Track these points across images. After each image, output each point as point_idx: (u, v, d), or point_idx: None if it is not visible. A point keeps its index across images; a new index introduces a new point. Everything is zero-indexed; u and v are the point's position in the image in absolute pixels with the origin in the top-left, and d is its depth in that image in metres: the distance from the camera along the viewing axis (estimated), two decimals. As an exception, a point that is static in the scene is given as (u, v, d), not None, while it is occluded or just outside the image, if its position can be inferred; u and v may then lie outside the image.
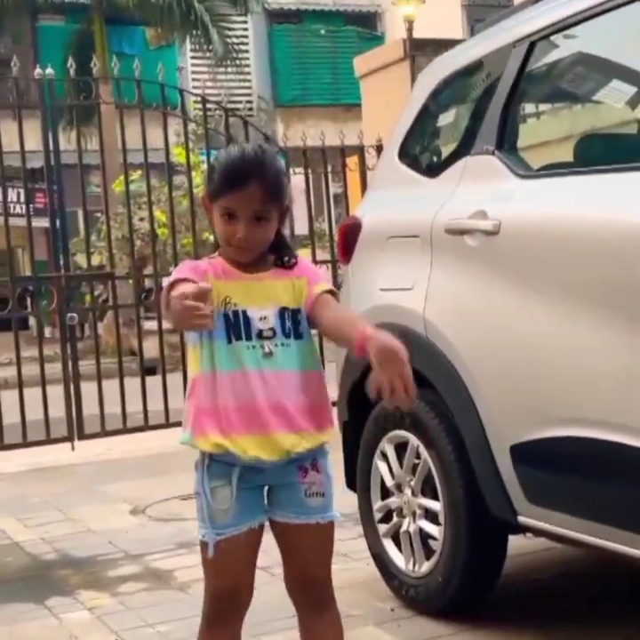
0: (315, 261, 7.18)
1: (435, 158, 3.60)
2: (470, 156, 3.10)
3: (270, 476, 2.16)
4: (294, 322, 2.16)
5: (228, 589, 2.18)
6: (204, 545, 2.17)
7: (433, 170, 3.40)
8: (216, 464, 2.15)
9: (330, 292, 2.18)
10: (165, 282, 2.14)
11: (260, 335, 2.13)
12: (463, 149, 3.19)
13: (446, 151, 3.46)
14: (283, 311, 2.15)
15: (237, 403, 2.10)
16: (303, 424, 2.14)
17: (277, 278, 2.18)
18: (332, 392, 3.83)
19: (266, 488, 2.19)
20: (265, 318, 2.13)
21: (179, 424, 2.20)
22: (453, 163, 3.20)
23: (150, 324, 9.56)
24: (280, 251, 2.21)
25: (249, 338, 2.12)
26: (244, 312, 2.12)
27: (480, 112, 3.16)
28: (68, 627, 3.34)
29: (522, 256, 2.79)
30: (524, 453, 2.76)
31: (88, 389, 6.69)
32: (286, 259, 2.20)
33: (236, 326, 2.12)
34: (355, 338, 2.02)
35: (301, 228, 7.75)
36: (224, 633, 2.21)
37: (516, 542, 3.22)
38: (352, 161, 7.79)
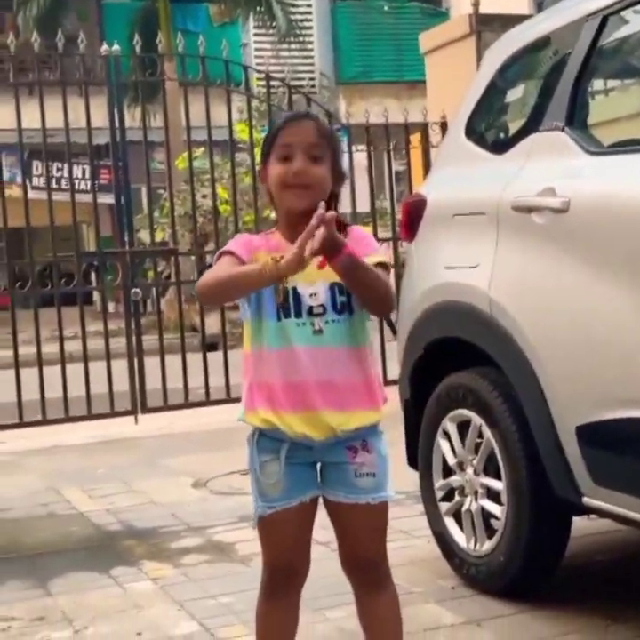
0: (376, 239, 7.15)
1: (502, 135, 3.56)
2: (539, 133, 3.05)
3: (320, 454, 2.17)
4: (348, 295, 2.13)
5: (283, 561, 2.20)
6: (258, 518, 2.19)
7: (500, 146, 3.36)
8: (265, 439, 2.17)
9: (381, 264, 2.13)
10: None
11: (310, 312, 2.12)
12: (531, 126, 3.14)
13: (514, 128, 3.41)
14: (333, 286, 2.13)
15: (284, 380, 2.11)
16: (352, 402, 2.13)
17: None
18: (394, 370, 3.85)
19: (319, 465, 2.20)
20: (315, 295, 2.12)
21: (240, 399, 2.22)
22: (521, 139, 3.16)
23: (212, 301, 9.60)
24: None
25: (299, 315, 2.12)
26: (294, 289, 2.12)
27: (549, 88, 3.11)
28: (133, 596, 3.40)
29: (591, 234, 2.74)
30: (590, 434, 2.73)
31: (151, 364, 6.78)
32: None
33: (286, 303, 2.12)
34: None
35: (363, 205, 7.73)
36: (280, 604, 2.24)
37: (579, 523, 3.19)
38: (415, 138, 7.72)
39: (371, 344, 2.21)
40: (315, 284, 2.12)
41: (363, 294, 2.10)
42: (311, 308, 2.12)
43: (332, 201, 2.18)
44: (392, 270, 7.23)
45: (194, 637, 3.00)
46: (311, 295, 2.12)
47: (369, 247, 2.16)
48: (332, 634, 2.94)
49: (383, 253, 2.21)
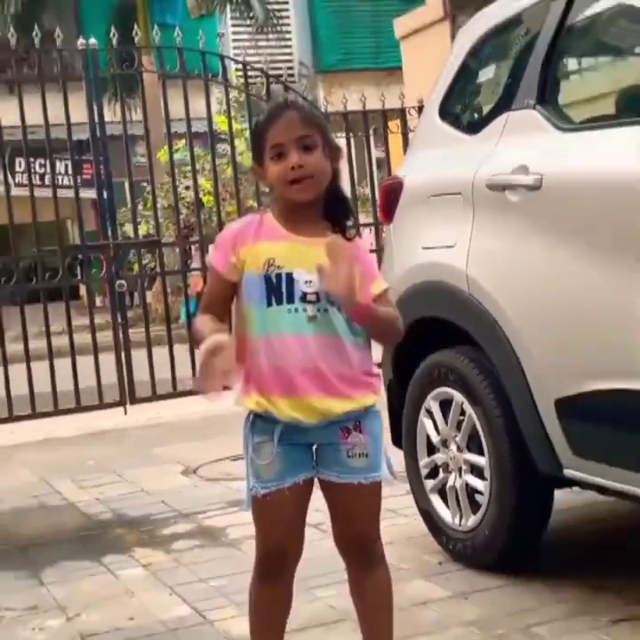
0: (357, 225, 7.15)
1: (475, 115, 3.57)
2: (511, 112, 3.06)
3: (313, 436, 2.17)
4: None
5: (276, 542, 2.20)
6: (252, 498, 2.20)
7: (474, 127, 3.37)
8: (260, 420, 2.17)
9: (385, 292, 2.16)
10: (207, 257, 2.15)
11: (303, 298, 2.10)
12: (504, 105, 3.15)
13: (487, 107, 3.41)
14: None
15: (272, 366, 2.11)
16: (342, 390, 2.12)
17: None
18: (377, 351, 3.85)
19: (314, 446, 2.20)
20: (311, 282, 2.10)
21: (228, 388, 2.22)
22: (494, 118, 3.16)
23: (197, 292, 9.62)
24: (337, 213, 2.16)
25: (291, 300, 2.10)
26: (289, 275, 2.10)
27: (520, 67, 3.11)
28: (125, 583, 3.41)
29: (564, 210, 2.75)
30: (569, 407, 2.75)
31: (139, 356, 6.77)
32: (345, 226, 2.15)
33: (278, 289, 2.10)
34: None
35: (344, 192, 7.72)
36: (275, 585, 2.24)
37: (563, 497, 3.21)
38: (394, 124, 7.72)
39: (366, 340, 2.18)
40: (312, 271, 2.08)
41: (375, 336, 2.18)
42: (305, 294, 2.10)
43: (335, 178, 2.18)
44: (375, 259, 7.22)
45: (186, 621, 3.01)
46: (307, 282, 2.10)
47: (371, 273, 2.14)
48: (324, 613, 2.95)
49: (380, 275, 2.20)
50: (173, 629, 2.96)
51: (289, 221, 2.15)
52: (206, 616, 3.03)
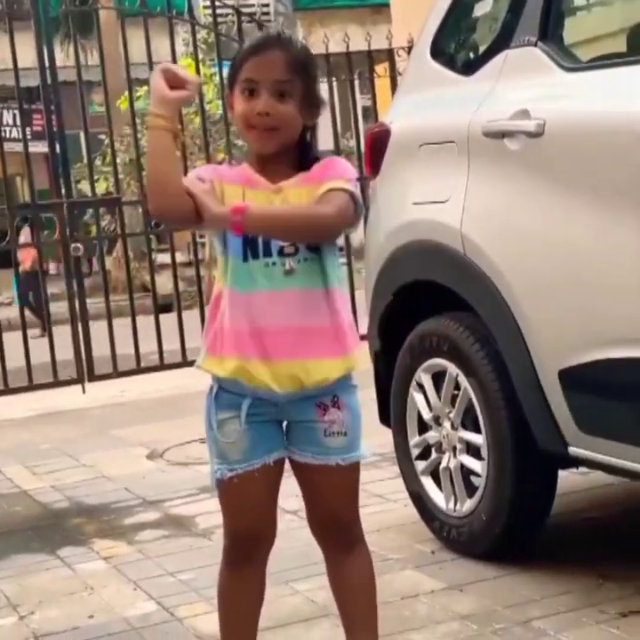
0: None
1: (470, 54, 3.54)
2: (510, 50, 3.04)
3: (286, 412, 2.17)
4: None
5: (245, 527, 2.21)
6: (217, 482, 2.20)
7: (469, 67, 3.34)
8: (225, 394, 2.16)
9: (334, 190, 2.08)
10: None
11: (281, 252, 2.10)
12: (502, 42, 3.12)
13: (483, 45, 3.39)
14: None
15: (250, 326, 2.10)
16: (320, 350, 2.12)
17: (301, 185, 2.13)
18: (365, 323, 3.85)
19: (285, 424, 2.20)
20: None
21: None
22: (491, 58, 3.14)
23: (163, 257, 9.61)
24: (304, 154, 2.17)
25: (268, 254, 2.10)
26: None
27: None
28: (83, 577, 3.41)
29: (570, 159, 2.74)
30: (574, 378, 2.75)
31: (99, 329, 6.75)
32: (307, 158, 2.15)
33: (254, 242, 2.10)
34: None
35: (326, 144, 7.69)
36: (244, 574, 2.24)
37: (568, 478, 3.23)
38: (381, 67, 7.68)
39: (342, 284, 2.19)
40: None
41: (287, 240, 2.10)
42: (282, 247, 2.10)
43: (307, 134, 2.17)
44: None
45: (151, 618, 3.02)
46: None
47: (331, 171, 2.13)
48: (303, 607, 2.96)
49: (349, 178, 2.14)
50: (138, 628, 2.96)
51: (260, 168, 2.15)
52: (174, 613, 3.03)
